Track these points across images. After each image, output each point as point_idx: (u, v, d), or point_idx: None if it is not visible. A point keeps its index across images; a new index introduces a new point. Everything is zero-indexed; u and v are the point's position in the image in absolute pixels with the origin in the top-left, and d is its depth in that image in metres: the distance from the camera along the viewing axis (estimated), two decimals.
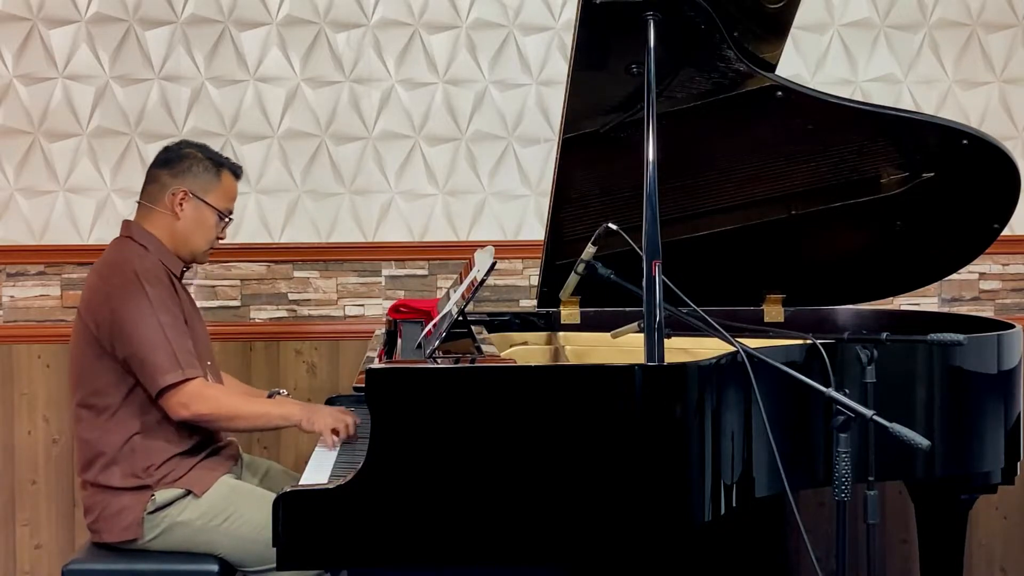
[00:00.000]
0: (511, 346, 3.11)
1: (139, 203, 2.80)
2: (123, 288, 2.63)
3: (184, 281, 2.85)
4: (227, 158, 2.86)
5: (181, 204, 2.75)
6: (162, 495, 2.64)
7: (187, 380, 2.59)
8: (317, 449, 2.66)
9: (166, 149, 2.85)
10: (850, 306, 3.30)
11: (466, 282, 2.56)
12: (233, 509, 2.65)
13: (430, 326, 2.65)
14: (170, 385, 2.58)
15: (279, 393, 3.04)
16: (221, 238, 2.85)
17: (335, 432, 2.64)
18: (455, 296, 2.63)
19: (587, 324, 3.11)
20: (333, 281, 3.64)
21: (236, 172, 2.86)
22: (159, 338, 2.59)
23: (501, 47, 3.62)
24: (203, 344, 2.82)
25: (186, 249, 2.79)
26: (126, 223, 2.81)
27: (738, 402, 2.39)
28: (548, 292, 3.03)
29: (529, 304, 3.58)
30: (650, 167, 2.34)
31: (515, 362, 2.46)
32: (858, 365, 2.51)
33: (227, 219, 2.83)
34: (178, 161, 2.78)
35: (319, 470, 2.47)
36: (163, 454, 2.66)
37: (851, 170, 2.95)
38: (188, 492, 2.65)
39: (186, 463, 2.68)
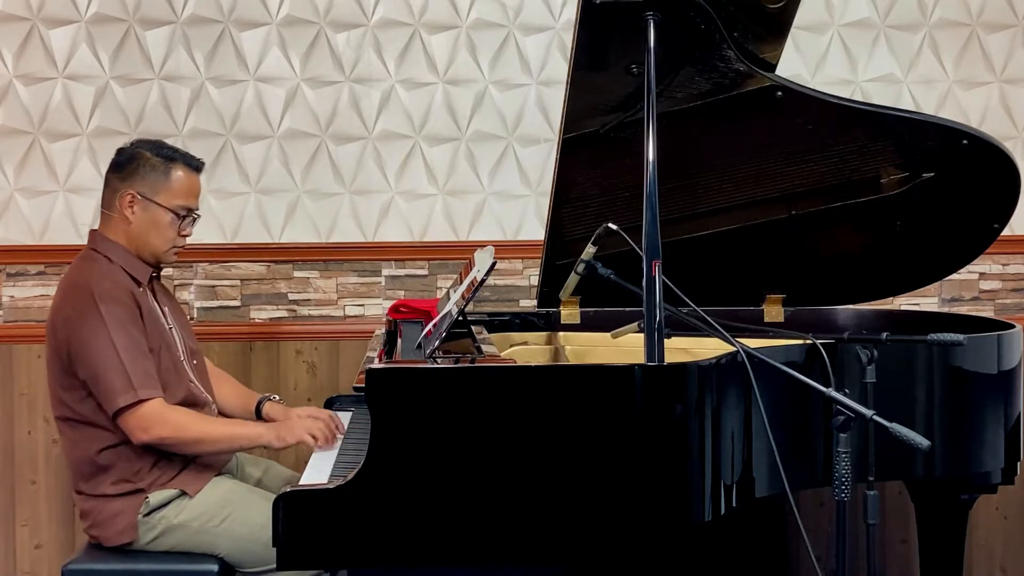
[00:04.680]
0: (511, 346, 3.12)
1: (101, 210, 2.76)
2: (80, 311, 2.59)
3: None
4: (182, 152, 2.75)
5: (131, 207, 2.68)
6: (155, 497, 2.63)
7: (141, 401, 2.55)
8: (317, 449, 2.66)
9: (119, 151, 2.77)
10: (850, 306, 3.30)
11: (466, 282, 2.56)
12: (231, 510, 2.64)
13: (430, 326, 2.65)
14: (125, 407, 2.54)
15: (270, 399, 3.01)
16: (186, 235, 2.75)
17: (314, 438, 2.63)
18: (455, 296, 2.63)
19: (587, 324, 3.11)
20: (333, 281, 3.64)
21: (193, 165, 2.74)
22: (113, 360, 2.55)
23: (501, 47, 3.62)
24: (174, 351, 2.75)
25: (147, 251, 2.72)
26: (92, 234, 2.76)
27: (738, 402, 2.39)
28: (548, 292, 3.03)
29: (529, 304, 3.58)
30: (650, 167, 2.34)
31: (515, 362, 2.46)
32: (858, 365, 2.51)
33: (186, 216, 2.72)
34: (127, 163, 2.71)
35: (319, 470, 2.47)
36: (150, 458, 2.64)
37: (851, 170, 2.95)
38: (182, 493, 2.65)
39: (175, 465, 2.66)
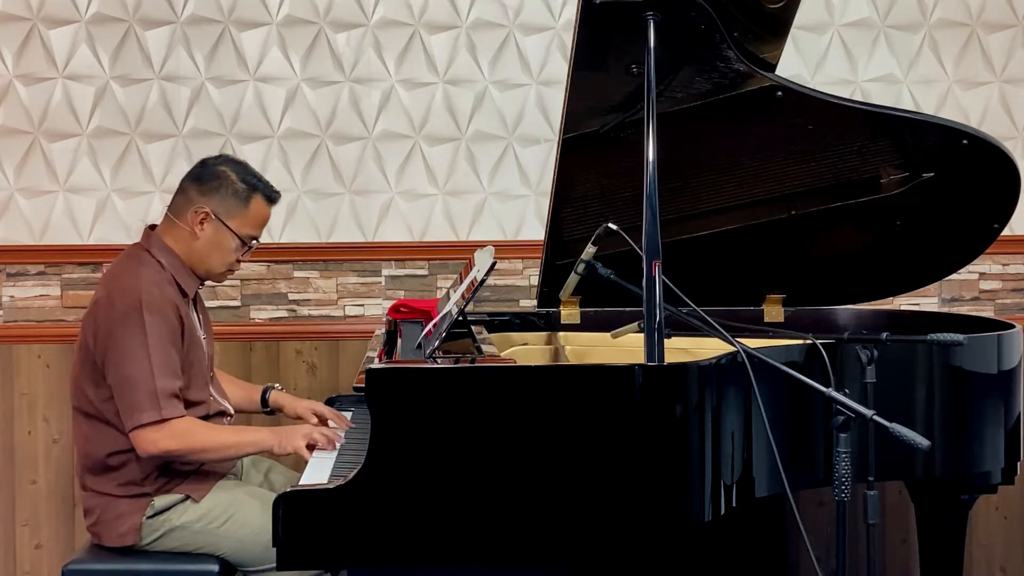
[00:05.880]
0: (511, 346, 3.12)
1: (166, 213, 2.74)
2: (124, 315, 2.56)
3: None
4: (264, 181, 2.74)
5: (202, 223, 2.66)
6: (161, 501, 2.63)
7: (164, 420, 2.53)
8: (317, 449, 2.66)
9: (203, 163, 2.75)
10: (850, 306, 3.30)
11: (466, 282, 2.56)
12: (233, 511, 2.64)
13: (430, 326, 2.65)
14: (145, 424, 2.52)
15: (273, 388, 3.02)
16: (241, 261, 2.75)
17: (311, 447, 2.61)
18: (455, 296, 2.63)
19: (587, 324, 3.11)
20: (333, 281, 3.64)
21: (271, 197, 2.73)
22: (145, 376, 2.52)
23: (501, 47, 3.62)
24: (204, 364, 2.75)
25: (202, 268, 2.71)
26: (147, 232, 2.74)
27: (738, 402, 2.39)
28: (548, 292, 3.03)
29: (529, 304, 3.58)
30: (650, 167, 2.34)
31: (515, 362, 2.46)
32: (858, 365, 2.51)
33: (249, 245, 2.72)
34: (210, 179, 2.68)
35: (319, 470, 2.47)
36: (158, 465, 2.63)
37: (851, 170, 2.95)
38: (187, 497, 2.64)
39: (183, 472, 2.66)
